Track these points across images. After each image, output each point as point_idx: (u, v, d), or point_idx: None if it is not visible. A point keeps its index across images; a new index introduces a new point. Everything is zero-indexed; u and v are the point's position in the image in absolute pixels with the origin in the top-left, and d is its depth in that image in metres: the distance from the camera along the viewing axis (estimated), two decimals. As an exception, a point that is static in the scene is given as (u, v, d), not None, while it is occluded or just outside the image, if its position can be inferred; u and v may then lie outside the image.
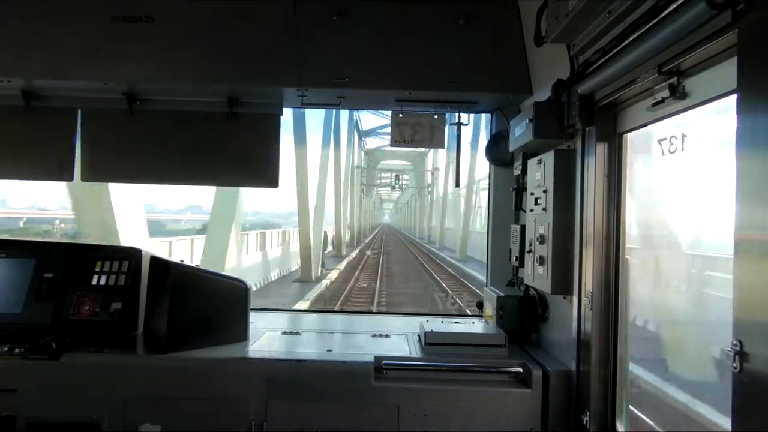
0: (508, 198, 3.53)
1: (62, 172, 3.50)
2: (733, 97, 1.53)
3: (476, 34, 3.26)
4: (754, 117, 1.43)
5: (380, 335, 3.29)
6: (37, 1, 3.18)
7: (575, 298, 2.60)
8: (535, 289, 3.13)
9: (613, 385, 2.47)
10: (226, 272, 4.87)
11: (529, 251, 3.01)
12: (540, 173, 2.86)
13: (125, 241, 10.20)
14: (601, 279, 2.48)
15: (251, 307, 3.21)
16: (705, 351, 2.01)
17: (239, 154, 3.51)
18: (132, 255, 3.27)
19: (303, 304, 18.07)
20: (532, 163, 3.00)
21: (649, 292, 2.39)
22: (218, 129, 3.49)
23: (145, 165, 3.55)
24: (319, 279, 25.60)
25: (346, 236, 48.40)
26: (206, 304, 3.02)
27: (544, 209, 2.78)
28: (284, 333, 3.33)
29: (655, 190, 2.35)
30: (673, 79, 1.92)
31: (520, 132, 2.93)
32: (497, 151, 3.62)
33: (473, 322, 3.46)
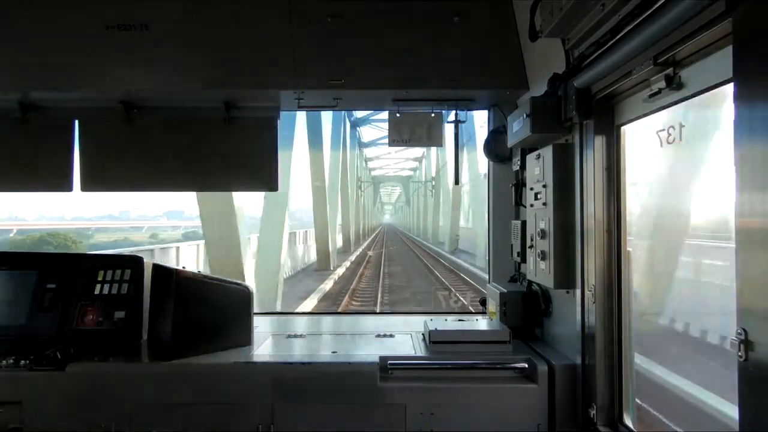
0: (508, 194, 3.52)
1: (61, 183, 3.50)
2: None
3: (471, 31, 3.25)
4: (751, 105, 1.43)
5: (384, 335, 3.29)
6: (31, 12, 3.17)
7: (578, 292, 2.60)
8: (538, 284, 3.13)
9: (619, 378, 2.46)
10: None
11: (531, 246, 3.01)
12: (539, 168, 2.86)
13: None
14: (604, 272, 2.47)
15: (255, 311, 3.22)
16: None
17: (238, 158, 3.51)
18: (134, 263, 3.27)
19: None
20: (530, 158, 3.00)
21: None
22: (216, 134, 3.49)
23: (144, 173, 3.54)
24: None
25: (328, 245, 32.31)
26: (210, 309, 3.02)
27: (544, 204, 2.78)
28: (288, 336, 3.33)
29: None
30: (669, 70, 1.92)
31: (517, 127, 2.93)
32: (495, 147, 3.62)
33: (477, 319, 3.46)
